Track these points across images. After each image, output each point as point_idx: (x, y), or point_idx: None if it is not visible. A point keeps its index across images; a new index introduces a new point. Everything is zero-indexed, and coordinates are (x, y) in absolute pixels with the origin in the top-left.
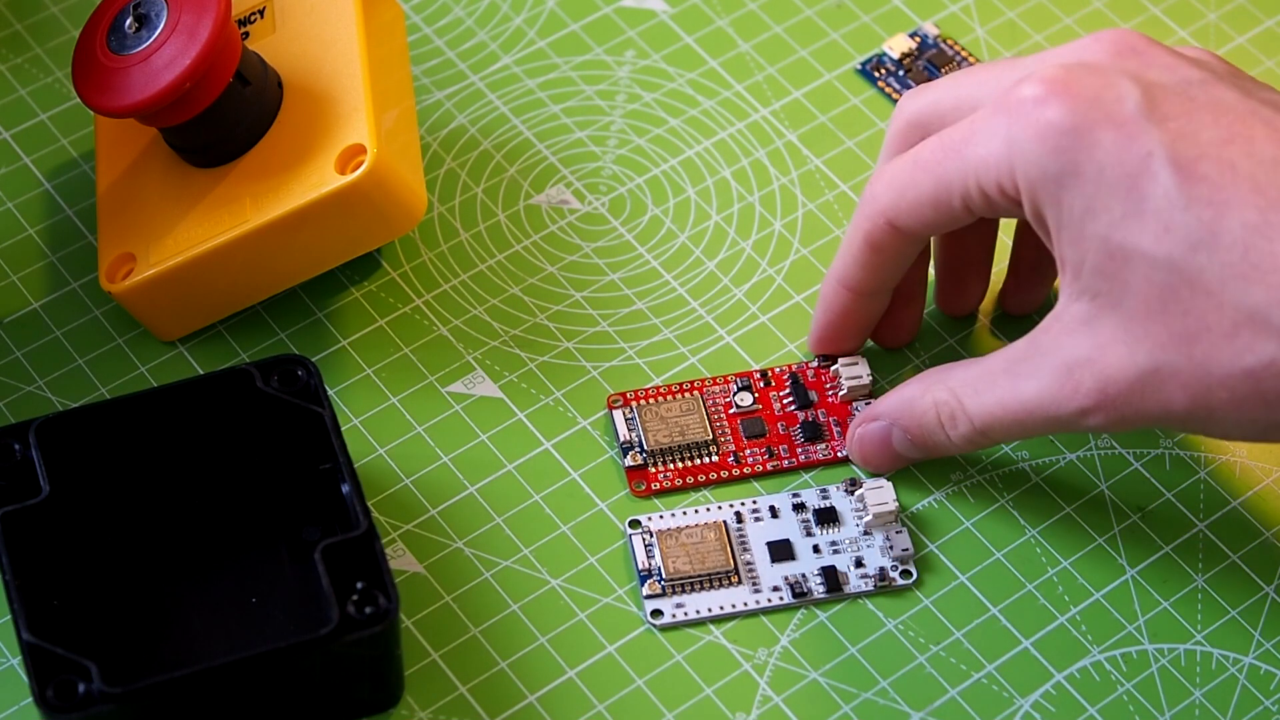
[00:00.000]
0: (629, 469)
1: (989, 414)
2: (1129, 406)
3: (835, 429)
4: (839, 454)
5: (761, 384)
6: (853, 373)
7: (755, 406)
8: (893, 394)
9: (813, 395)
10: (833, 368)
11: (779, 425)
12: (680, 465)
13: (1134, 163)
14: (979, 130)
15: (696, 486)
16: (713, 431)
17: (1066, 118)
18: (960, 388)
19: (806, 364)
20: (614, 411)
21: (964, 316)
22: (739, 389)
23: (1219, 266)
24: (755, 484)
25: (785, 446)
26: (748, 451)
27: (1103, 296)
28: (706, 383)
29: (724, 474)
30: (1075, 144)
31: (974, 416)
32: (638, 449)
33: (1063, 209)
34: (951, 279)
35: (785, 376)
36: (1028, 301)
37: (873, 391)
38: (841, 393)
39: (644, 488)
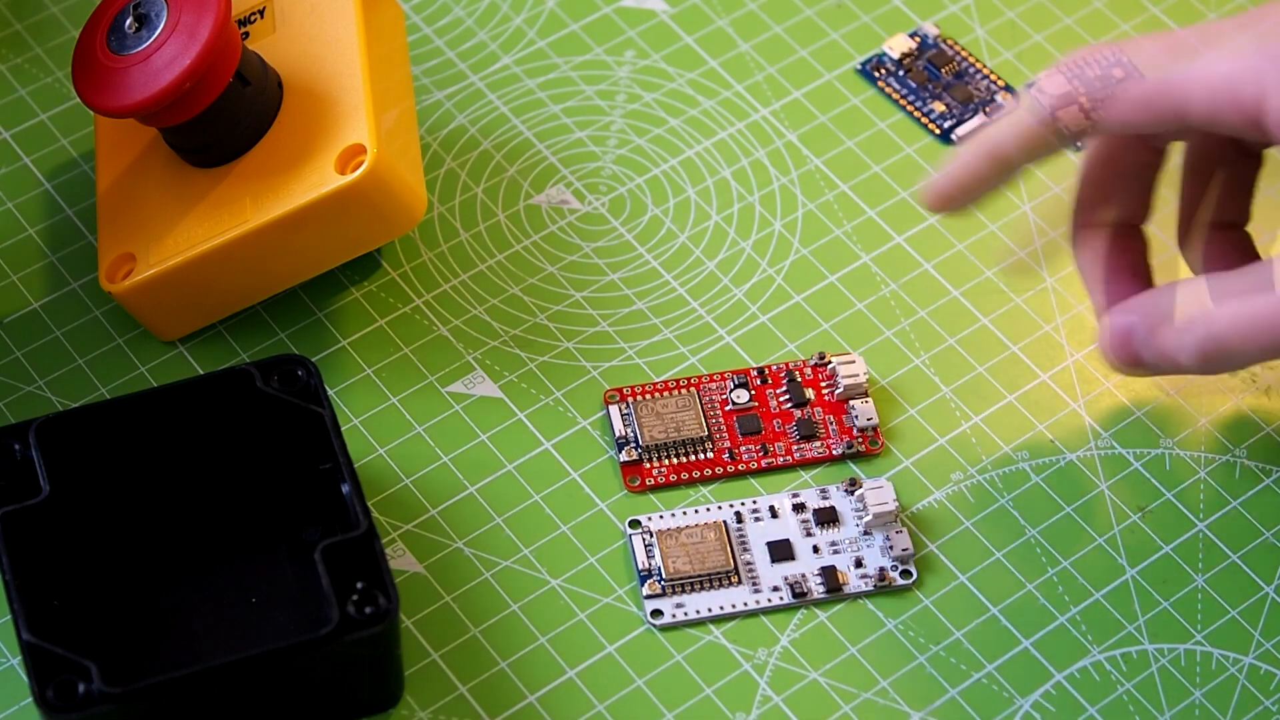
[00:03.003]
0: (624, 464)
1: (1237, 319)
2: None
3: (831, 427)
4: (834, 452)
5: (758, 381)
6: (849, 371)
7: (751, 404)
8: (1140, 297)
9: (809, 393)
10: (829, 366)
11: (774, 423)
12: (675, 461)
13: None
14: (1220, 42)
15: (691, 483)
16: (708, 428)
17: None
18: (1210, 291)
19: (804, 362)
20: (610, 407)
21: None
22: (735, 386)
23: None
24: (753, 483)
25: (780, 444)
26: (743, 448)
27: None
28: (703, 379)
29: (719, 470)
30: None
31: (1220, 321)
32: (633, 444)
33: None
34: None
35: (782, 374)
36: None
37: (868, 390)
38: (838, 390)
39: (639, 483)
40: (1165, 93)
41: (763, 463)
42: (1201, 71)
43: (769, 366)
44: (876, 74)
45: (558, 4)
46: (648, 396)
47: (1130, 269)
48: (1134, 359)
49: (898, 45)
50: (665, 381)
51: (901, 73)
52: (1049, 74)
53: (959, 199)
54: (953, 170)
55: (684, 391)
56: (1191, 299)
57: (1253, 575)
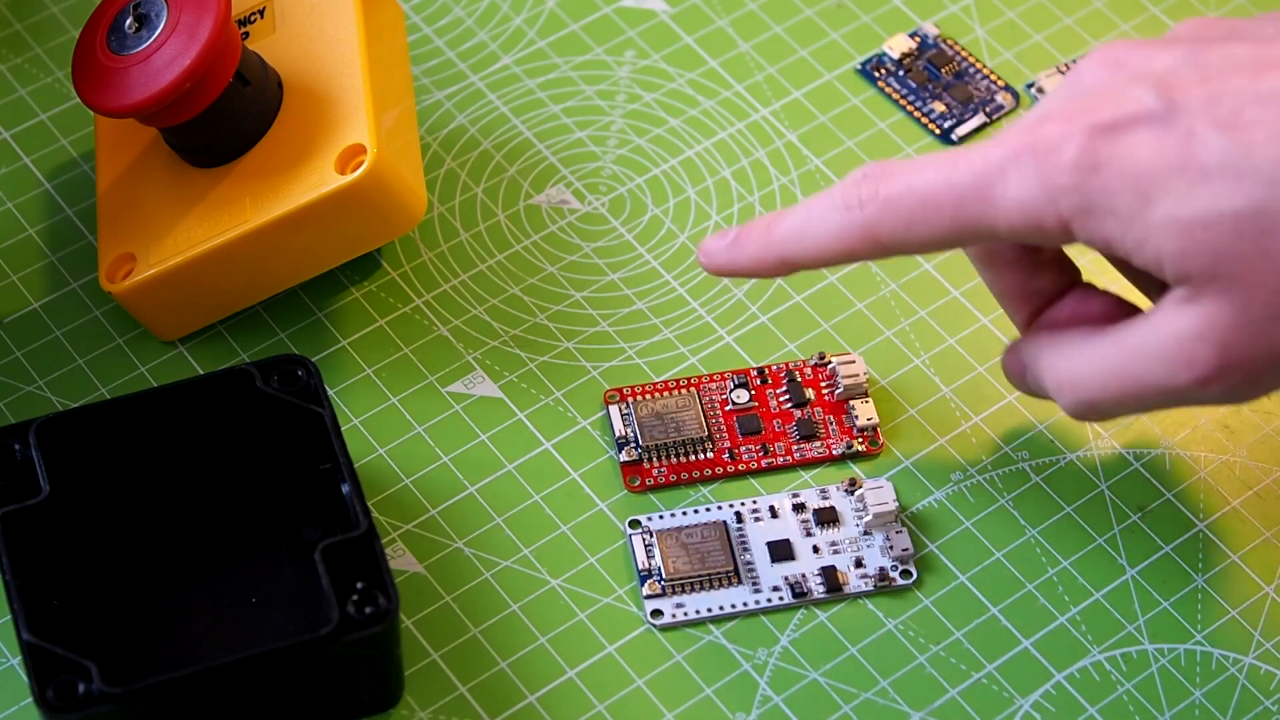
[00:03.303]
0: (624, 464)
1: (1102, 386)
2: (1252, 364)
3: (831, 427)
4: (833, 451)
5: (758, 381)
6: (849, 371)
7: (751, 404)
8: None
9: (809, 393)
10: (829, 366)
11: (774, 423)
12: (675, 461)
13: (1178, 142)
14: (1007, 175)
15: (691, 483)
16: (708, 428)
17: (1098, 141)
18: (1062, 359)
19: (804, 362)
20: (610, 407)
21: None
22: (735, 386)
23: None
24: (753, 483)
25: (780, 444)
26: (743, 448)
27: (1196, 275)
28: (703, 379)
29: (719, 470)
30: (1114, 157)
31: (1080, 387)
32: (633, 444)
33: (1120, 218)
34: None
35: (782, 374)
36: None
37: (868, 390)
38: (838, 390)
39: (638, 483)
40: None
41: (763, 463)
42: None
43: (769, 366)
44: (876, 74)
45: (558, 4)
46: (648, 396)
47: (1045, 284)
48: (1029, 392)
49: (898, 45)
50: (665, 381)
51: (901, 73)
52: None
53: (731, 274)
54: (738, 259)
55: (684, 391)
56: (1060, 361)
57: (1253, 575)
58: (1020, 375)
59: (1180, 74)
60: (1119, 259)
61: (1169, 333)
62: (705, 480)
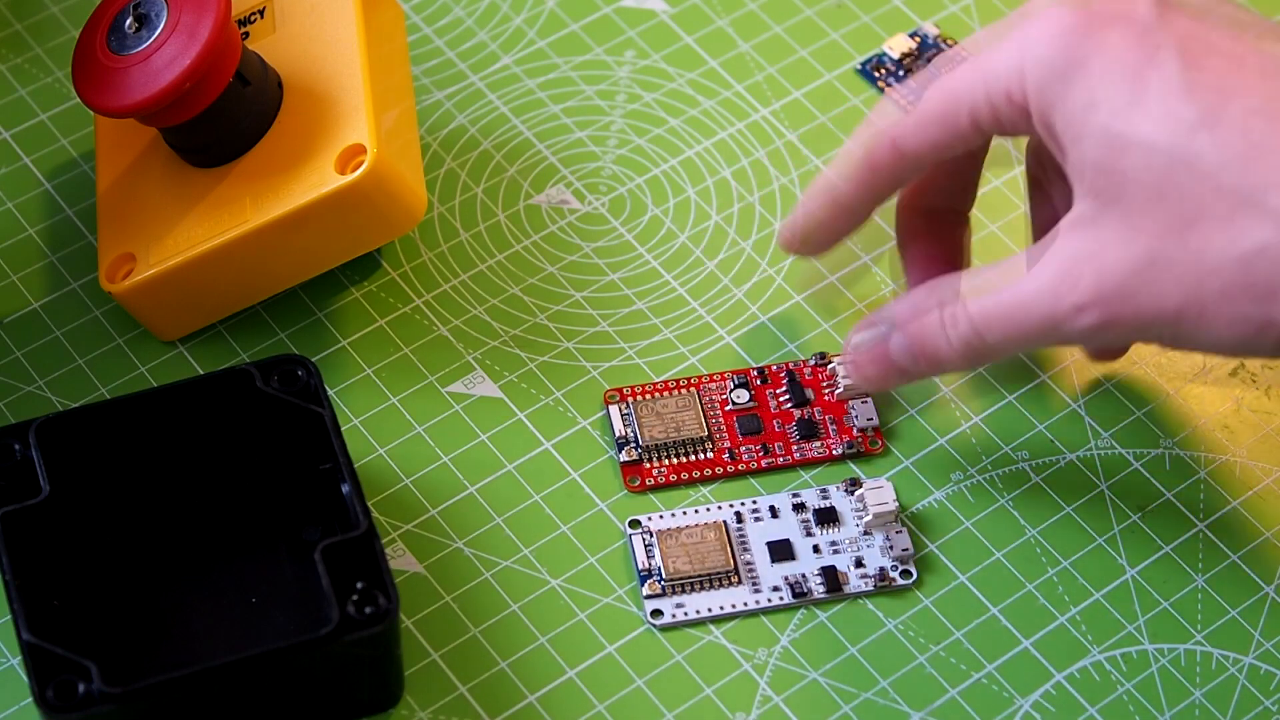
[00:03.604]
0: (624, 464)
1: (987, 312)
2: (1123, 303)
3: (831, 427)
4: (834, 451)
5: (759, 381)
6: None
7: (751, 404)
8: (897, 299)
9: (809, 393)
10: (830, 366)
11: (775, 423)
12: (675, 461)
13: (1141, 54)
14: (993, 42)
15: (691, 483)
16: (708, 428)
17: (1078, 18)
18: (965, 287)
19: (804, 362)
20: (610, 407)
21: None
22: (735, 386)
23: (1218, 149)
24: (753, 483)
25: (781, 444)
26: (743, 448)
27: (1105, 192)
28: (703, 379)
29: (719, 470)
30: (1084, 41)
31: (974, 315)
32: (633, 444)
33: (1067, 105)
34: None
35: (782, 374)
36: None
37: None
38: (838, 391)
39: (638, 483)
40: (950, 99)
41: (763, 463)
42: (970, 71)
43: (769, 366)
44: (876, 74)
45: (558, 4)
46: (648, 396)
47: (946, 255)
48: (889, 373)
49: (898, 45)
50: (665, 381)
51: (901, 73)
52: (883, 99)
53: (810, 246)
54: (798, 218)
55: (684, 391)
56: (950, 294)
57: (1253, 575)
58: (881, 347)
59: (1186, 6)
60: (1049, 161)
61: (1059, 252)
62: (705, 480)
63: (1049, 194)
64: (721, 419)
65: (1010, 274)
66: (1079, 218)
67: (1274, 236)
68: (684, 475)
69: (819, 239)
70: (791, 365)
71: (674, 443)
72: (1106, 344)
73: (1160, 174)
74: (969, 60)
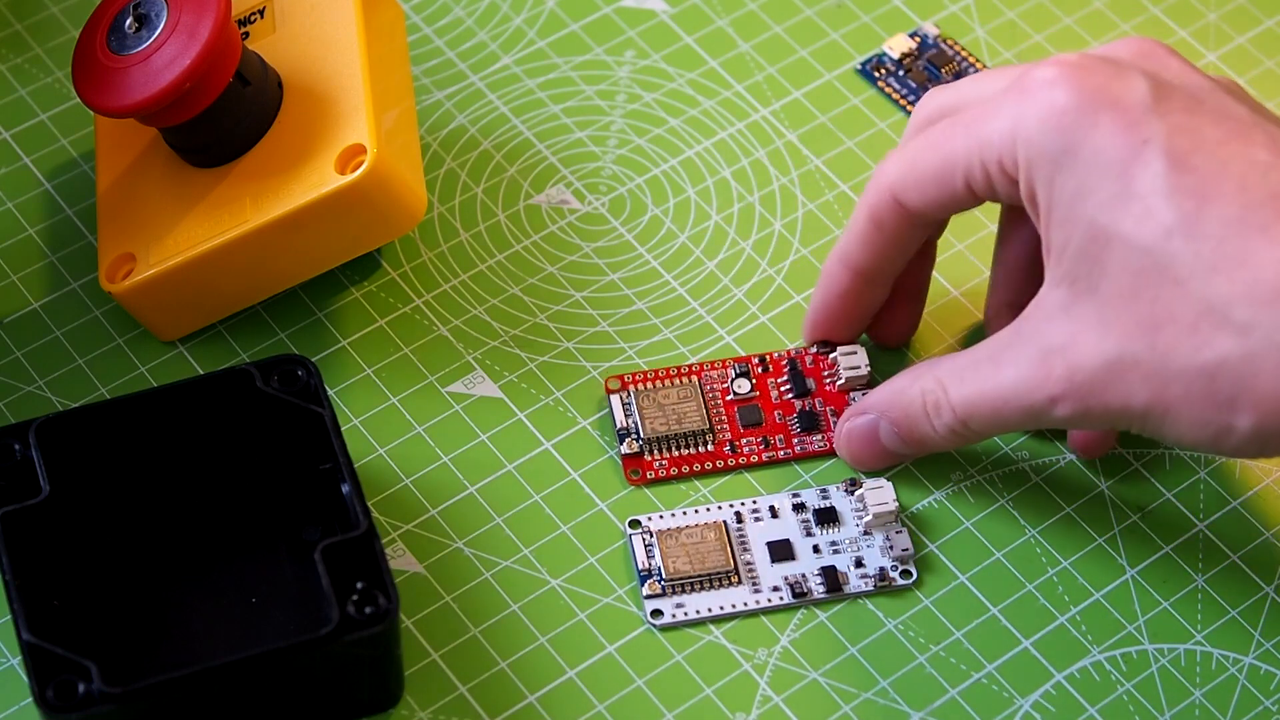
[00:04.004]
0: (625, 456)
1: (969, 402)
2: (1093, 397)
3: (832, 418)
4: (834, 446)
5: (760, 370)
6: (851, 362)
7: (753, 394)
8: (881, 387)
9: (810, 383)
10: (831, 355)
11: (775, 414)
12: (676, 454)
13: (1130, 147)
14: (990, 108)
15: (690, 477)
16: (710, 420)
17: (1072, 99)
18: (946, 376)
19: (805, 350)
20: (612, 396)
21: (895, 347)
22: (737, 375)
23: (1191, 256)
24: (753, 483)
25: (781, 437)
26: (744, 441)
27: (1081, 281)
28: (705, 367)
29: (719, 464)
30: (1076, 124)
31: (956, 405)
32: (634, 436)
33: (1055, 189)
34: (888, 306)
35: (784, 363)
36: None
37: (871, 382)
38: (839, 381)
39: (639, 476)
40: (947, 165)
41: (763, 456)
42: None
43: (771, 354)
44: (876, 74)
45: (558, 4)
46: (649, 385)
47: (856, 316)
48: (879, 456)
49: (898, 45)
50: (667, 369)
51: (901, 73)
52: (892, 153)
53: (839, 327)
54: (815, 299)
55: (685, 380)
56: (932, 383)
57: (1253, 575)
58: (871, 434)
59: (1180, 95)
60: (1028, 236)
61: (1033, 340)
62: (705, 475)
63: (1020, 230)
64: (723, 409)
65: (987, 363)
66: (1053, 304)
67: (1235, 349)
68: (684, 469)
69: (844, 316)
70: (794, 353)
71: (675, 435)
72: (1089, 429)
73: (1136, 273)
74: (965, 123)
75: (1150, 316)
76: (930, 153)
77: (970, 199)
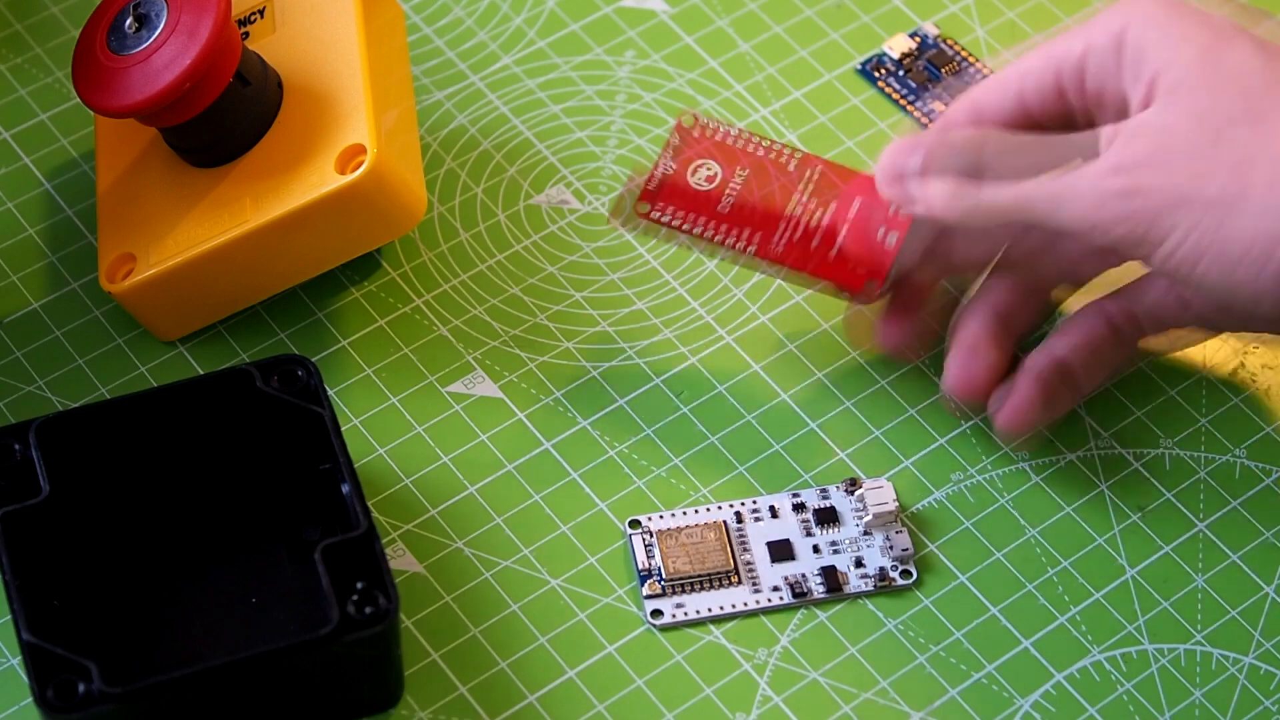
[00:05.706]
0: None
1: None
2: (1160, 174)
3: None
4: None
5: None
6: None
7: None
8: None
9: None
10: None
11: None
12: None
13: (1219, 32)
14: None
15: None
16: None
17: (1163, 5)
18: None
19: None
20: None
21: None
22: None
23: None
24: (753, 482)
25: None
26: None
27: (1185, 91)
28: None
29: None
30: (1180, 14)
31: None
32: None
33: (1169, 38)
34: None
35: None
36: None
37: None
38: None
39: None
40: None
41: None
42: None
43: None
44: (876, 74)
45: (558, 4)
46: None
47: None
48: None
49: (898, 45)
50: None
51: (901, 73)
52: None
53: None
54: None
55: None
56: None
57: (1253, 575)
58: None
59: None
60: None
61: (1094, 171)
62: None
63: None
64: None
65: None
66: (1151, 110)
67: None
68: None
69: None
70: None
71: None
72: (1134, 254)
73: (1251, 78)
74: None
75: (1258, 109)
76: (1030, 57)
77: (1056, 99)
